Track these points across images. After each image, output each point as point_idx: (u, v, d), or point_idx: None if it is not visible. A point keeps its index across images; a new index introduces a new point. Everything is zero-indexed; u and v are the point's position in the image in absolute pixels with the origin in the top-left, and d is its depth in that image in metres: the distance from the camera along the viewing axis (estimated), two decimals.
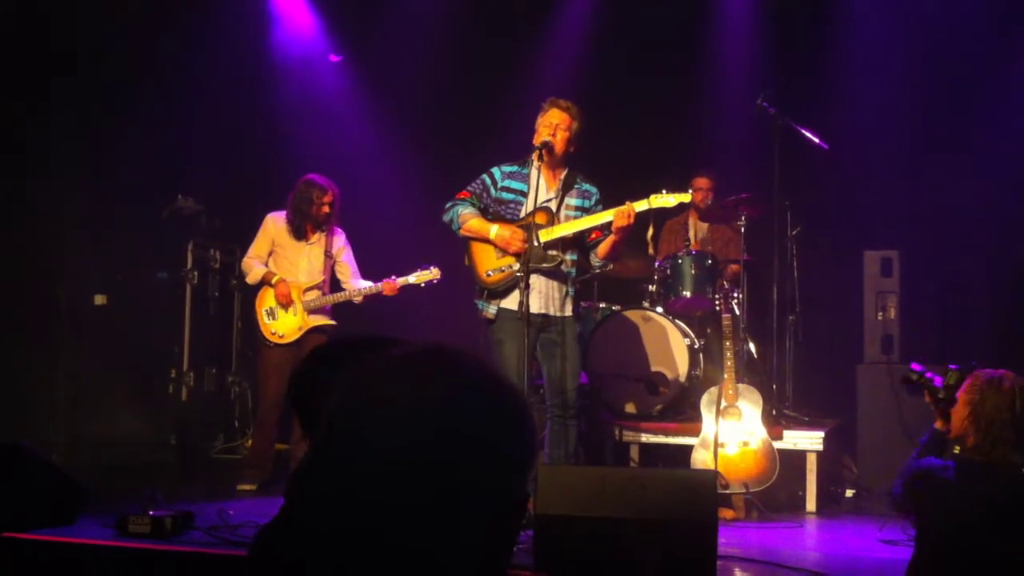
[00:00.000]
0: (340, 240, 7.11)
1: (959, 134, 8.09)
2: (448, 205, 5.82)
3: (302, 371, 1.47)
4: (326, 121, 9.26)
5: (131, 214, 8.44)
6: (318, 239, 7.04)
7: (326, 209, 6.94)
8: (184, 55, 8.40)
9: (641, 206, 5.60)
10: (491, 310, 5.71)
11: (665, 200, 5.66)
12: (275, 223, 7.04)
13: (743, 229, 7.18)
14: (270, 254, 7.05)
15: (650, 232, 7.44)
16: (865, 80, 8.43)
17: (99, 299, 8.48)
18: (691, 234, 7.96)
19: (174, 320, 8.79)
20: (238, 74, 8.80)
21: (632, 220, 5.49)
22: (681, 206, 7.73)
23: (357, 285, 7.00)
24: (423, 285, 6.86)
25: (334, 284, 7.11)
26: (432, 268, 6.84)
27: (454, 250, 6.11)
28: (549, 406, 5.81)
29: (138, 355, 8.52)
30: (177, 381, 8.74)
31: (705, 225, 8.01)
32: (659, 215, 7.77)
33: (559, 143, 5.68)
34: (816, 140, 7.25)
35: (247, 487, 6.82)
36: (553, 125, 5.69)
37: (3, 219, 7.67)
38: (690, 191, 5.84)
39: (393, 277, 6.89)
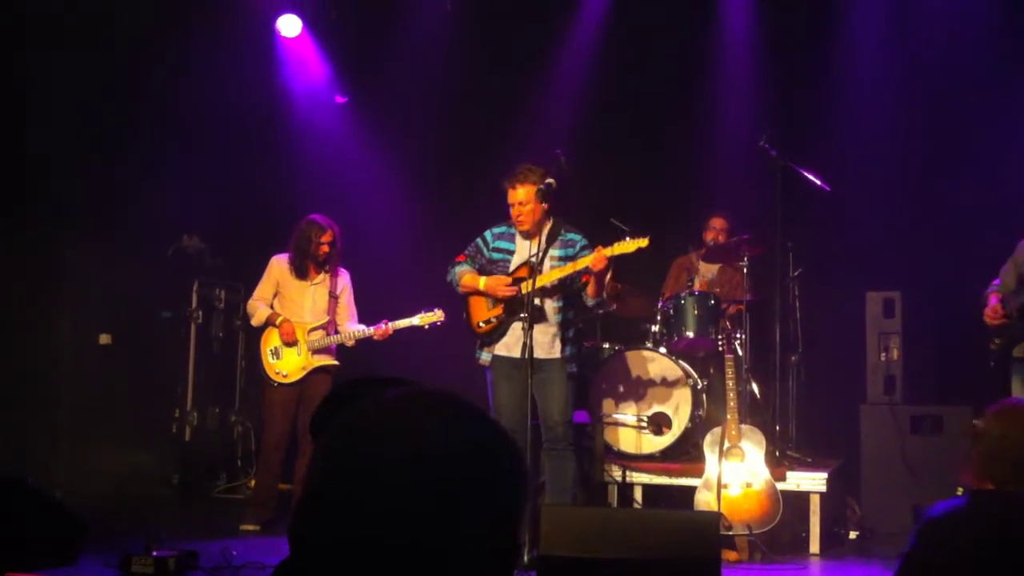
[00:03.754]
0: (344, 280, 7.15)
1: (960, 175, 8.11)
2: (449, 267, 6.29)
3: (323, 409, 1.50)
4: (331, 161, 9.32)
5: (136, 253, 8.49)
6: (322, 279, 7.08)
7: (325, 248, 6.98)
8: (191, 94, 8.48)
9: (606, 253, 5.84)
10: (486, 357, 6.17)
11: (625, 247, 5.86)
12: (279, 265, 7.10)
13: (745, 270, 7.20)
14: (275, 296, 7.10)
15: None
16: (866, 122, 8.47)
17: (104, 338, 8.52)
18: (698, 274, 7.98)
19: (178, 359, 8.81)
20: (245, 114, 8.86)
21: (604, 264, 5.82)
22: (693, 245, 7.88)
23: (351, 328, 7.03)
24: (427, 327, 6.89)
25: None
26: (436, 310, 6.87)
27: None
28: (544, 441, 6.10)
29: (142, 394, 8.54)
30: (180, 420, 8.75)
31: (715, 266, 8.02)
32: (669, 254, 7.86)
33: (525, 220, 6.05)
34: (818, 182, 7.28)
35: (250, 527, 6.82)
36: (514, 206, 6.06)
37: (8, 257, 7.72)
38: (648, 237, 5.96)
39: (385, 322, 6.91)
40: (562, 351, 6.07)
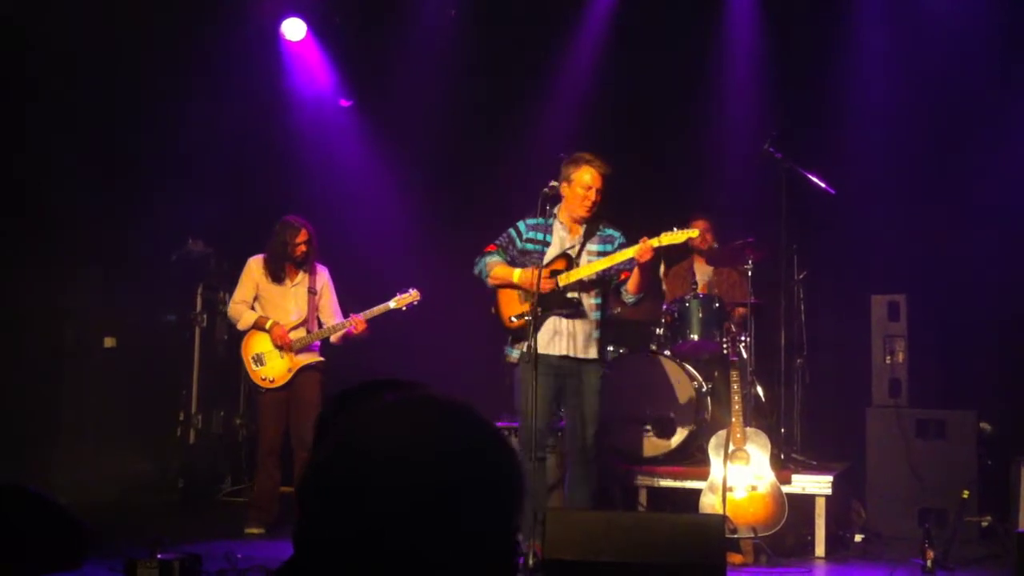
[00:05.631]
0: (323, 277, 7.14)
1: (965, 178, 8.11)
2: (477, 259, 6.02)
3: (325, 414, 1.50)
4: (336, 164, 9.33)
5: (141, 257, 8.49)
6: (302, 279, 7.06)
7: (302, 248, 6.97)
8: (195, 98, 8.49)
9: (653, 243, 5.75)
10: (515, 354, 5.90)
11: (675, 237, 5.80)
12: (257, 266, 7.07)
13: (750, 273, 7.19)
14: (255, 298, 7.07)
15: (661, 270, 7.59)
16: (871, 125, 8.46)
17: (108, 341, 8.53)
18: (697, 278, 7.97)
19: (182, 363, 8.81)
20: (249, 117, 8.88)
21: (652, 254, 5.72)
22: (685, 251, 7.83)
23: (332, 323, 7.02)
24: (404, 308, 6.90)
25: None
26: (411, 290, 6.89)
27: (467, 292, 6.18)
28: (568, 450, 5.98)
29: (146, 397, 8.54)
30: (185, 423, 8.76)
31: (710, 269, 8.02)
32: (665, 260, 7.84)
33: (591, 205, 5.86)
34: (823, 185, 7.27)
35: (254, 530, 6.82)
36: (589, 187, 5.83)
37: (13, 261, 7.73)
38: (696, 228, 5.94)
39: (360, 313, 6.89)
40: (599, 352, 5.93)
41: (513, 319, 5.89)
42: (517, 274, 5.85)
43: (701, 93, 8.97)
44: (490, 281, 5.96)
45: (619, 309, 7.42)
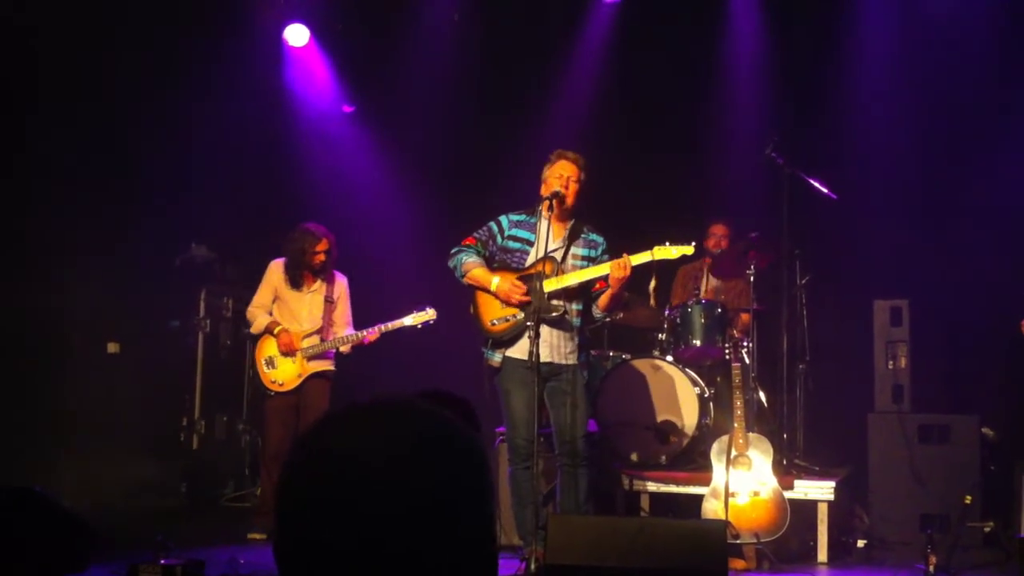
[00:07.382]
0: (341, 286, 7.15)
1: (968, 182, 8.12)
2: (453, 251, 5.87)
3: None
4: (338, 170, 9.35)
5: (144, 262, 8.51)
6: (319, 286, 7.08)
7: (321, 257, 6.98)
8: (199, 105, 8.51)
9: (644, 258, 5.64)
10: (496, 359, 5.75)
11: (667, 252, 5.68)
12: (278, 271, 7.09)
13: (752, 278, 7.20)
14: (274, 302, 7.09)
15: (652, 284, 7.41)
16: (873, 130, 8.48)
17: (112, 347, 8.54)
18: (704, 282, 7.98)
19: (186, 368, 8.82)
20: (253, 123, 8.90)
21: (627, 272, 5.52)
22: (697, 254, 7.82)
23: (344, 333, 7.03)
24: (420, 326, 6.90)
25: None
26: (428, 309, 6.89)
27: (463, 295, 6.15)
28: (558, 455, 5.83)
29: (150, 402, 8.55)
30: (188, 429, 8.77)
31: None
32: (674, 263, 7.83)
33: (570, 195, 5.73)
34: (825, 190, 7.28)
35: (258, 535, 6.83)
36: (564, 177, 5.72)
37: (17, 267, 7.74)
38: (692, 244, 5.78)
39: (376, 326, 6.91)
40: (578, 357, 5.76)
41: (495, 322, 5.74)
42: (495, 283, 5.67)
43: (703, 97, 8.99)
44: (466, 281, 5.80)
45: (620, 315, 7.43)
